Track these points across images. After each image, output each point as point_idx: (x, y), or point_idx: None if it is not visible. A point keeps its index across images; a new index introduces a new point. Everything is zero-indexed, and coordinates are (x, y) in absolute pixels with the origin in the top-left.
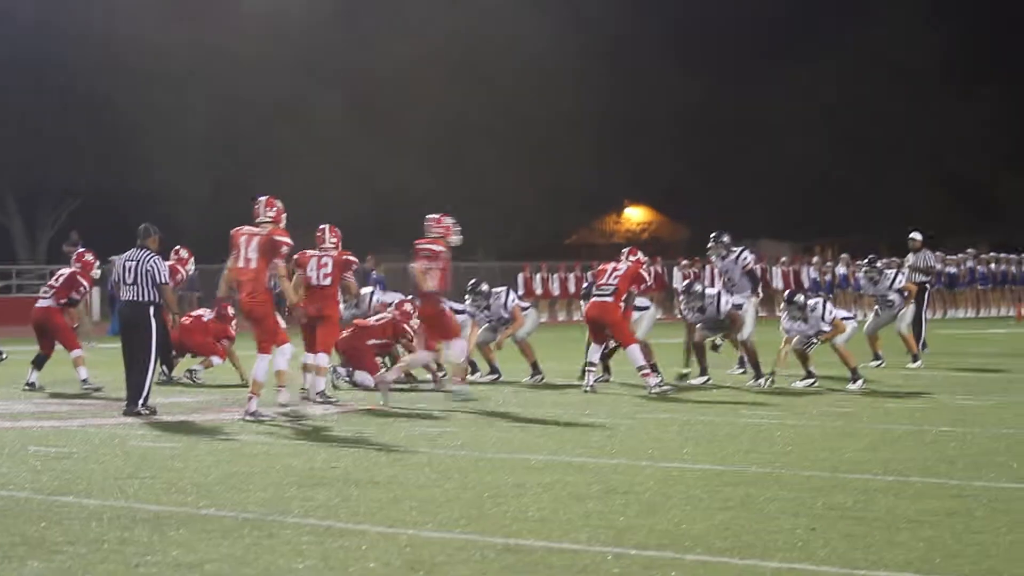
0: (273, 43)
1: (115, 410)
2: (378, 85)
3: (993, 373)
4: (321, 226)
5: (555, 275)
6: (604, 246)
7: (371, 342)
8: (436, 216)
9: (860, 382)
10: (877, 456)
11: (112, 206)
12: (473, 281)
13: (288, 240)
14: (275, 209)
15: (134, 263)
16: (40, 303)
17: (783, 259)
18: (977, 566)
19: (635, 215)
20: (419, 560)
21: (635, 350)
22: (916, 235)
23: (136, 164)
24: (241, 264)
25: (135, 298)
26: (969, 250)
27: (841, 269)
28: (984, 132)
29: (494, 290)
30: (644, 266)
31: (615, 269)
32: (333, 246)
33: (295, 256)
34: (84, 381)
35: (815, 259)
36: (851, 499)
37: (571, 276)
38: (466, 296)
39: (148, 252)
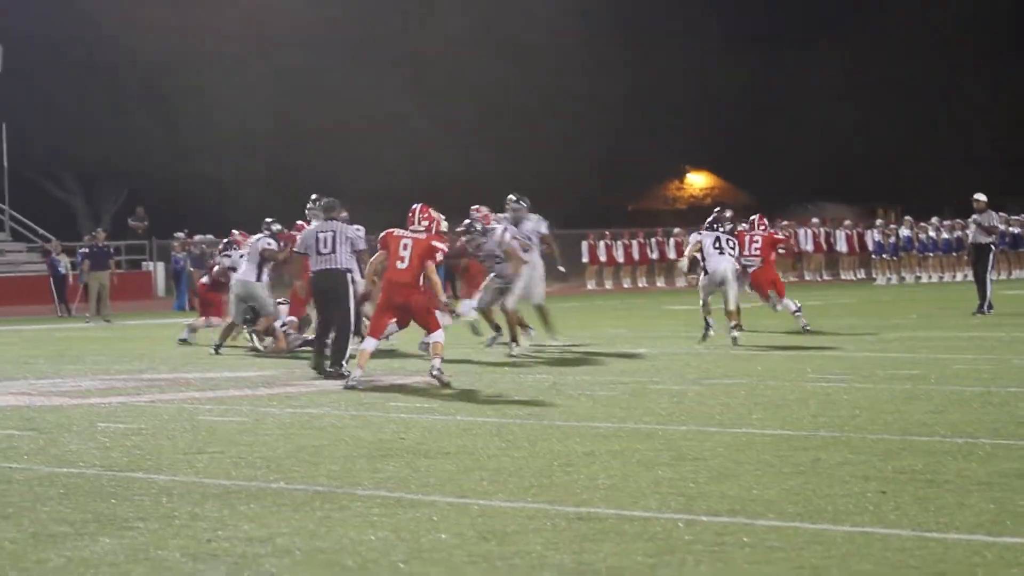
0: (323, 24)
1: (182, 386)
2: (429, 61)
3: None
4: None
5: (619, 242)
6: (667, 212)
7: None
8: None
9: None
10: (946, 418)
11: (171, 185)
12: (468, 221)
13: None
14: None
15: (331, 233)
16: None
17: (847, 222)
18: None
19: (697, 181)
20: (490, 530)
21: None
22: (980, 196)
23: (194, 144)
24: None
25: (333, 266)
26: None
27: (905, 231)
28: None
29: (489, 225)
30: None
31: (752, 240)
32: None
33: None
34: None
35: (878, 221)
36: (920, 462)
37: (634, 243)
38: (462, 233)
39: (342, 223)
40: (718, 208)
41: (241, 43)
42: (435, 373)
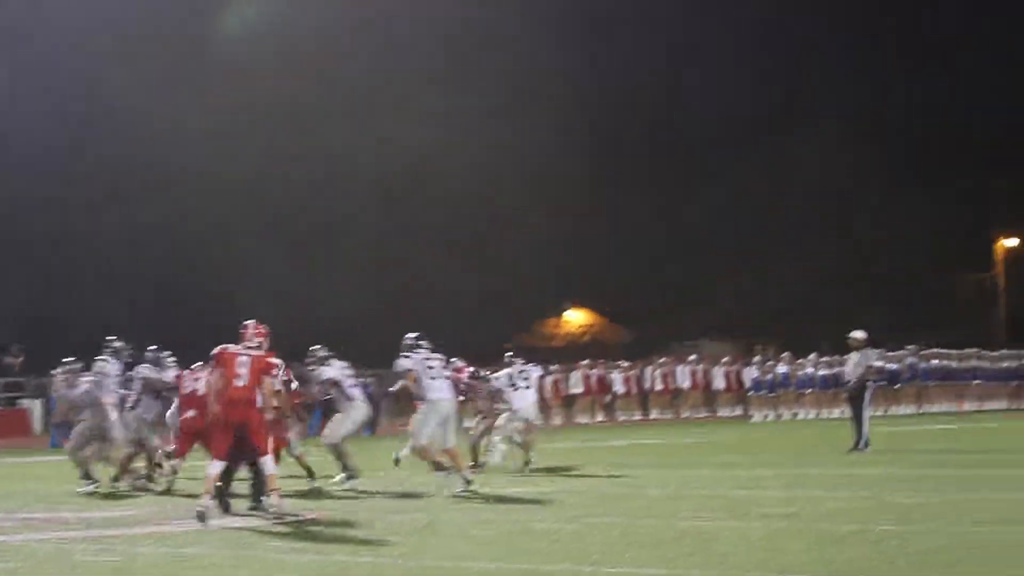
0: (193, 164)
1: (57, 525)
2: (304, 199)
3: (936, 469)
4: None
5: None
6: (544, 349)
7: None
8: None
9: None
10: (820, 556)
11: (50, 322)
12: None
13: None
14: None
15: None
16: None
17: (725, 359)
18: None
19: (576, 318)
20: None
21: None
22: (858, 333)
23: (71, 285)
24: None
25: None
26: (909, 347)
27: (783, 367)
28: (918, 232)
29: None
30: None
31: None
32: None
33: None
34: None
35: (756, 358)
36: None
37: None
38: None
39: None
40: (509, 352)
41: (134, 181)
42: (272, 511)
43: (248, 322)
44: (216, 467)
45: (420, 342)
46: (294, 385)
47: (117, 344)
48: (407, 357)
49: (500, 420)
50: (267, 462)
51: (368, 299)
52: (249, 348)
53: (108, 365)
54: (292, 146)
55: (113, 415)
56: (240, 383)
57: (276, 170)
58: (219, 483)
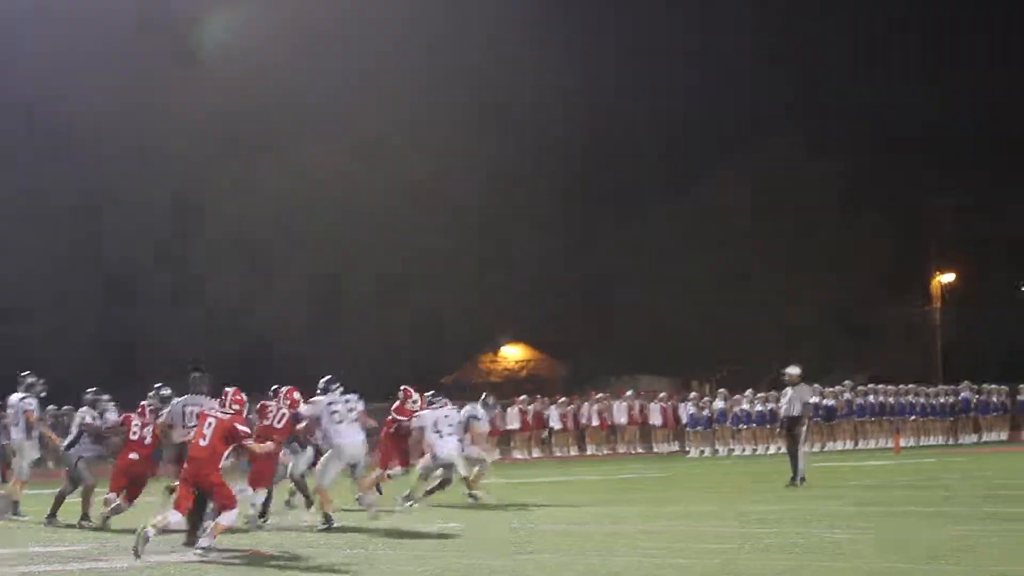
0: (142, 181)
1: None
2: (253, 224)
3: (872, 506)
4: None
5: None
6: (482, 385)
7: None
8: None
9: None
10: None
11: None
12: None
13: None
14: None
15: (198, 408)
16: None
17: (661, 394)
18: None
19: (513, 353)
20: None
21: None
22: (793, 369)
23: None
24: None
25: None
26: (846, 382)
27: (719, 403)
28: (862, 261)
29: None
30: None
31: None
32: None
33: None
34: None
35: (692, 394)
36: None
37: None
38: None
39: (210, 400)
40: (432, 393)
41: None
42: (197, 552)
43: (228, 389)
44: (174, 517)
45: (331, 385)
46: (304, 422)
47: (30, 379)
48: (310, 403)
49: (422, 462)
50: (228, 516)
51: (305, 329)
52: (223, 413)
53: (24, 401)
54: (252, 166)
55: (25, 450)
56: (202, 443)
57: (232, 189)
58: (192, 516)
